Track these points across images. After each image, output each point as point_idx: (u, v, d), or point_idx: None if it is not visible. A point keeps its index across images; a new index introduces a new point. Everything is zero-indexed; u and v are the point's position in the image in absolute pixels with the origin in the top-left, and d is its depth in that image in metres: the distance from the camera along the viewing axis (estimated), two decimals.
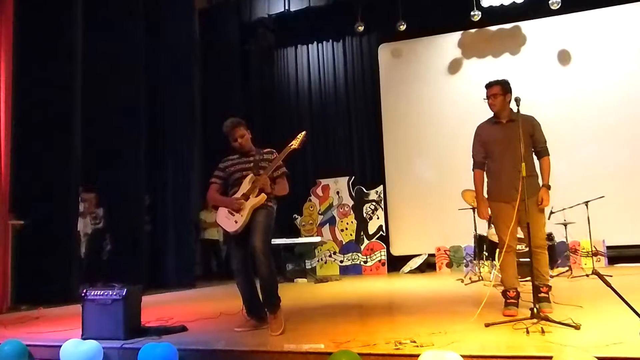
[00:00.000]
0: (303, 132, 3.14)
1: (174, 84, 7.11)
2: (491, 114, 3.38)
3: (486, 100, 3.26)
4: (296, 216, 8.61)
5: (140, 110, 6.50)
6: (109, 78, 6.35)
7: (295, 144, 3.10)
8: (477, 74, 7.91)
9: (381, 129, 8.69)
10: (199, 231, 7.81)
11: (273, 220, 3.05)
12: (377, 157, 8.69)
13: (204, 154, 7.98)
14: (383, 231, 8.10)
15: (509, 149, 3.16)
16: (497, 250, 4.14)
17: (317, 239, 7.70)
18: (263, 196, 3.00)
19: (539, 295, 3.07)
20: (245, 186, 3.07)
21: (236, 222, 2.98)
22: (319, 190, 8.69)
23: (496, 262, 4.73)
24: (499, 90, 3.26)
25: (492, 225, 5.47)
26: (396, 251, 8.28)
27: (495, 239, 5.32)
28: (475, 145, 3.38)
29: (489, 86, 3.29)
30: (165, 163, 7.03)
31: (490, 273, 5.37)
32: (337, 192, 8.51)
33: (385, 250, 7.99)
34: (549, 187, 3.18)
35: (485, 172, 3.34)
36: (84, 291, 2.99)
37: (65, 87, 5.43)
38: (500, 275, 3.36)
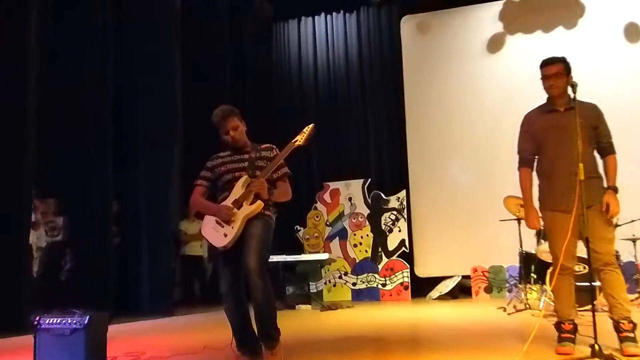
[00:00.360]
0: (310, 126, 3.17)
1: (149, 66, 7.14)
2: (542, 101, 3.33)
3: (545, 82, 3.16)
4: (298, 228, 8.63)
5: (106, 99, 6.56)
6: (68, 61, 6.41)
7: (300, 139, 3.12)
8: (523, 53, 7.91)
9: (404, 120, 8.65)
10: (179, 245, 7.87)
11: (271, 233, 3.08)
12: (399, 155, 8.66)
13: (187, 151, 8.01)
14: (406, 247, 8.09)
15: (566, 144, 3.08)
16: (549, 271, 4.11)
17: (324, 256, 7.67)
18: (259, 204, 3.02)
19: (621, 334, 2.98)
20: (238, 190, 3.09)
21: (225, 235, 3.00)
22: (326, 196, 8.68)
23: (547, 287, 4.72)
24: (561, 70, 3.17)
25: (543, 241, 5.59)
26: (422, 272, 8.25)
27: (546, 257, 5.28)
28: (522, 139, 3.30)
29: (548, 64, 3.20)
30: (138, 162, 7.06)
31: (540, 300, 5.39)
32: (349, 198, 8.51)
33: (408, 270, 7.97)
34: (616, 191, 3.09)
35: (536, 173, 3.27)
36: (37, 319, 3.00)
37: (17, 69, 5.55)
38: (552, 303, 3.36)
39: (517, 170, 3.31)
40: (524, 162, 3.29)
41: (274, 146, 3.25)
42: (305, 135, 3.13)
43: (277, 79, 9.32)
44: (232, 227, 3.00)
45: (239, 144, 3.18)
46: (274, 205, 3.17)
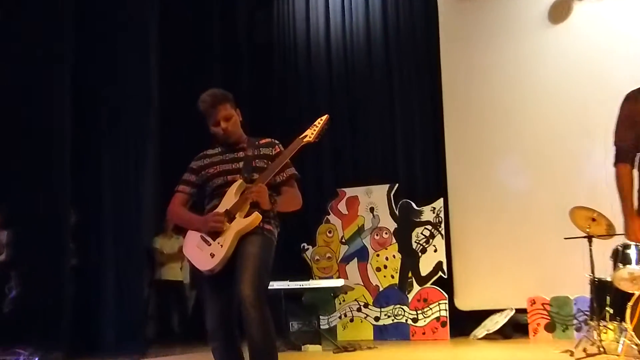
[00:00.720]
0: (324, 118, 3.22)
1: (115, 39, 7.21)
2: (622, 85, 3.34)
3: None
4: (306, 246, 8.66)
5: (63, 86, 6.61)
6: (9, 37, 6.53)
7: (310, 135, 3.18)
8: (596, 22, 7.88)
9: (441, 109, 8.61)
10: (154, 268, 7.92)
11: (272, 253, 3.12)
12: (434, 154, 8.65)
13: (163, 148, 8.05)
14: (443, 271, 8.07)
15: None
16: (631, 304, 4.01)
17: (338, 283, 7.68)
18: (256, 216, 3.06)
19: None
20: (230, 199, 3.13)
21: (212, 255, 3.05)
22: (341, 206, 8.70)
23: (628, 324, 4.67)
24: None
25: (621, 265, 5.55)
26: (464, 304, 8.21)
27: (626, 286, 5.27)
28: (621, 126, 3.26)
29: None
30: (101, 164, 7.13)
31: (618, 342, 5.30)
32: (371, 209, 8.54)
33: (446, 302, 7.95)
34: None
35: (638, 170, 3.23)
36: None
37: None
38: (635, 346, 3.35)
39: (613, 166, 3.29)
40: (622, 156, 3.25)
41: (277, 142, 3.28)
42: (317, 129, 3.18)
43: (279, 55, 9.38)
44: (221, 246, 3.04)
45: (233, 138, 3.23)
46: (277, 216, 3.21)
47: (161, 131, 8.06)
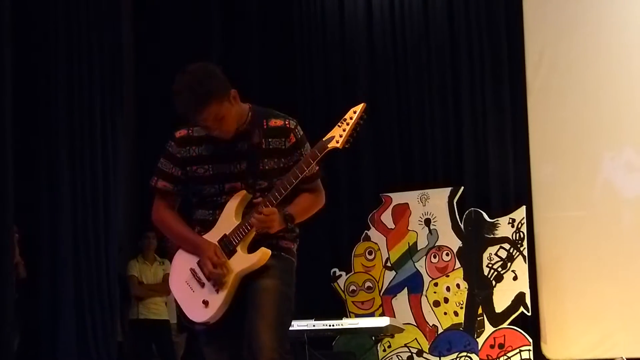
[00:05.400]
0: (358, 108, 3.09)
1: (79, 8, 7.12)
2: None
3: None
4: (338, 272, 8.05)
5: (4, 66, 6.25)
6: None
7: (338, 137, 3.03)
8: None
9: (523, 87, 7.94)
10: (129, 303, 7.45)
11: (294, 280, 3.12)
12: (514, 148, 8.05)
13: (141, 143, 8.02)
14: (526, 307, 7.41)
15: None
16: None
17: (381, 323, 6.93)
18: (265, 253, 3.03)
19: None
20: (229, 219, 3.08)
21: (206, 303, 3.02)
22: (386, 217, 8.06)
23: None
24: None
25: None
26: (556, 352, 7.54)
27: None
28: None
29: None
30: (58, 164, 6.88)
31: None
32: (427, 221, 7.90)
33: (530, 348, 7.33)
34: None
35: None
36: None
37: None
38: None
39: None
40: None
41: (292, 124, 3.14)
42: (347, 128, 3.02)
43: (301, 28, 8.84)
44: (218, 292, 3.00)
45: (229, 135, 3.08)
46: (295, 230, 3.19)
47: (137, 121, 8.16)
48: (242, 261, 3.02)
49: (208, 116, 2.99)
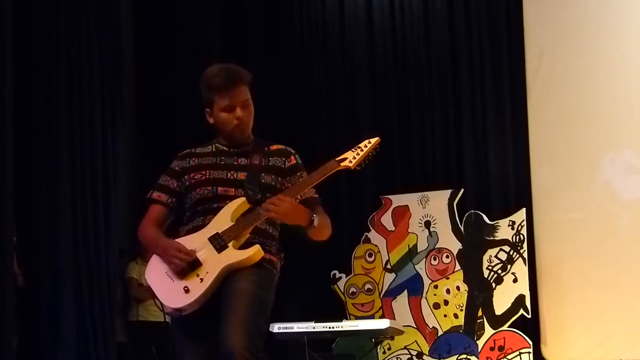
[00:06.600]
0: (373, 141, 3.24)
1: (80, 9, 7.13)
2: None
3: None
4: (338, 274, 8.08)
5: (4, 67, 6.28)
6: None
7: (352, 159, 3.16)
8: None
9: (523, 88, 7.94)
10: (128, 305, 7.51)
11: (273, 292, 3.11)
12: (514, 150, 8.07)
13: (142, 145, 8.09)
14: (526, 309, 7.45)
15: None
16: None
17: (381, 325, 6.91)
18: (258, 251, 3.05)
19: None
20: (224, 219, 3.09)
21: (187, 290, 3.01)
22: (386, 219, 8.12)
23: None
24: None
25: None
26: (556, 354, 7.53)
27: None
28: None
29: None
30: (58, 165, 6.86)
31: None
32: (427, 223, 7.96)
33: (530, 350, 7.35)
34: None
35: None
36: None
37: None
38: None
39: None
40: None
41: (292, 151, 3.28)
42: (361, 153, 3.16)
43: (302, 30, 8.84)
44: (201, 280, 2.99)
45: (244, 134, 3.21)
46: (279, 242, 3.23)
47: (138, 119, 8.15)
48: (233, 255, 3.02)
49: (242, 94, 3.15)
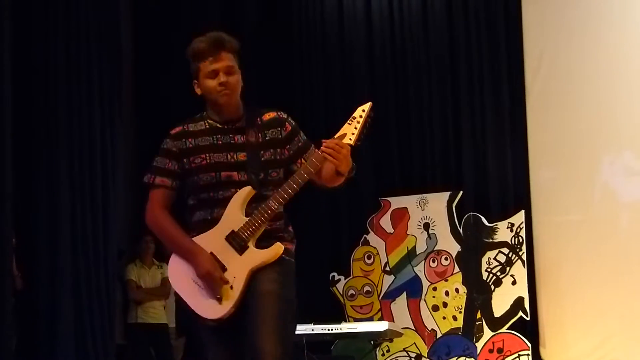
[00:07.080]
0: (366, 107, 3.12)
1: (79, 8, 7.11)
2: None
3: None
4: (337, 276, 8.16)
5: (4, 68, 6.24)
6: None
7: (351, 135, 3.05)
8: None
9: (522, 89, 7.99)
10: (127, 307, 7.48)
11: (294, 287, 3.11)
12: (513, 151, 8.10)
13: (141, 145, 8.01)
14: (525, 311, 7.54)
15: None
16: None
17: (380, 327, 7.04)
18: (278, 248, 3.04)
19: None
20: (236, 214, 3.05)
21: (220, 299, 3.02)
22: (385, 221, 8.21)
23: None
24: None
25: None
26: (555, 355, 7.61)
27: None
28: None
29: None
30: (57, 166, 6.84)
31: None
32: (426, 225, 8.04)
33: (529, 352, 7.46)
34: None
35: None
36: None
37: None
38: None
39: None
40: None
41: (284, 115, 3.21)
42: (358, 125, 3.04)
43: (300, 21, 8.91)
44: (232, 287, 2.99)
45: (230, 105, 3.12)
46: (290, 224, 3.18)
47: (137, 115, 8.15)
48: (257, 257, 3.01)
49: (226, 60, 3.09)
